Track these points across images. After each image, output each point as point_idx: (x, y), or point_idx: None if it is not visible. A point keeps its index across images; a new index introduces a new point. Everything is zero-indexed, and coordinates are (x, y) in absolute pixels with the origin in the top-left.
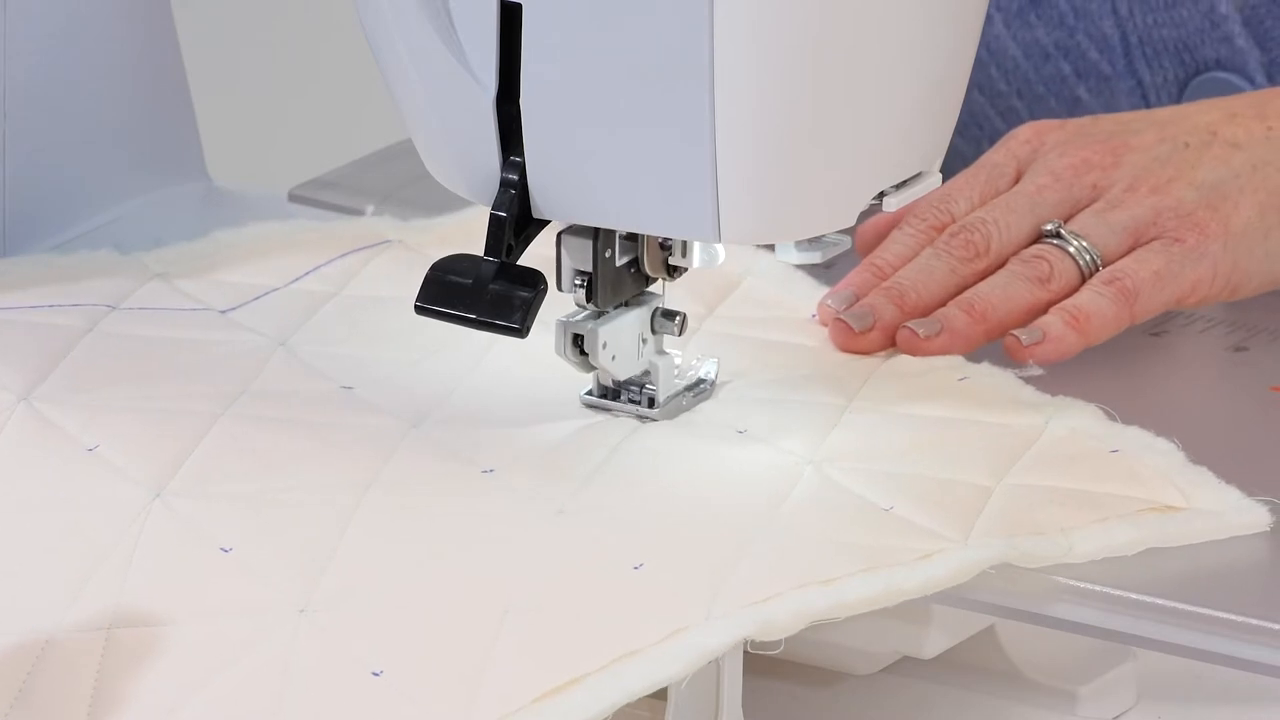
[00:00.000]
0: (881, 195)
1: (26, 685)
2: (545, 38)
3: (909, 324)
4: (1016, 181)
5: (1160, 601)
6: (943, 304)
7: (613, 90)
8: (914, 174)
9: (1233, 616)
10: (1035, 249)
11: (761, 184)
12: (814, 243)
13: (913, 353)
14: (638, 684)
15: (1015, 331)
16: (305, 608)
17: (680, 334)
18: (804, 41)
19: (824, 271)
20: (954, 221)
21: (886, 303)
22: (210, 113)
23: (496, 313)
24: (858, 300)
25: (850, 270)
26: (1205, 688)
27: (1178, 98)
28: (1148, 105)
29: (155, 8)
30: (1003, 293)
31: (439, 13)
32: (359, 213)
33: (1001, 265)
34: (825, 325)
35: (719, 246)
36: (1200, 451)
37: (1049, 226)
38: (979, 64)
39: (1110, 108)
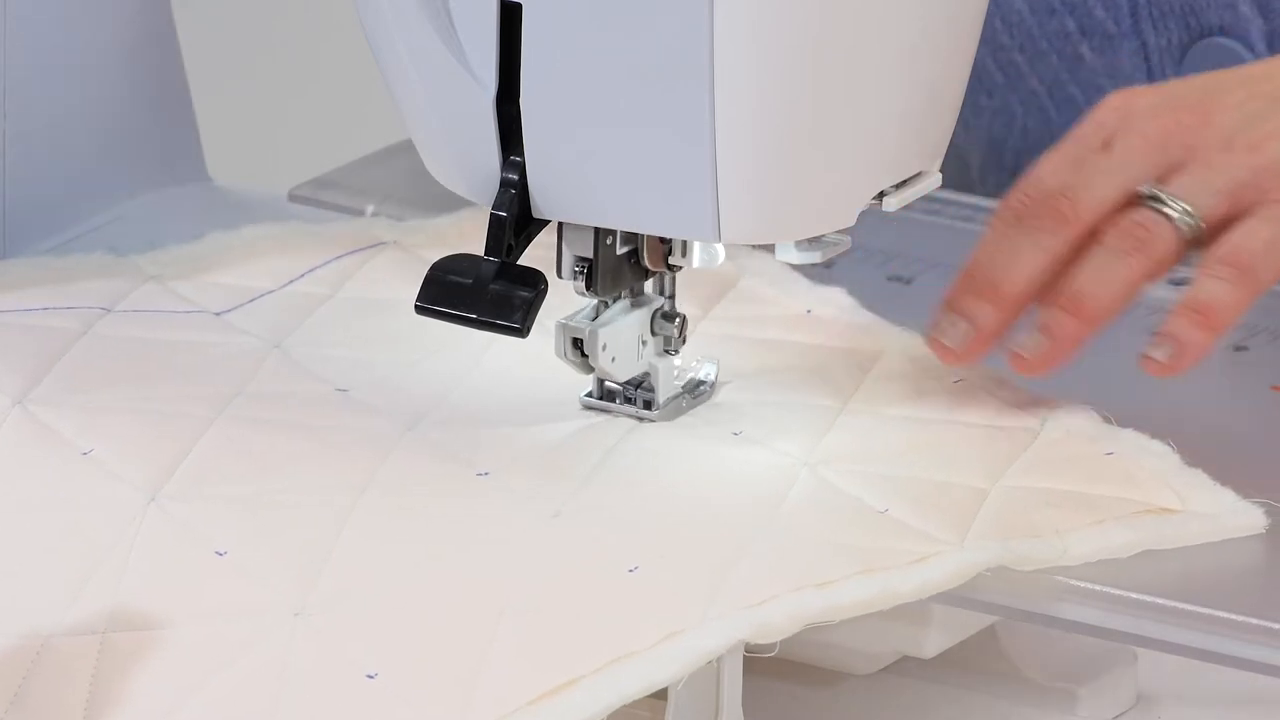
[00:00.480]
0: (881, 195)
1: (22, 689)
2: (545, 38)
3: (1014, 348)
4: (1105, 150)
5: (1160, 601)
6: (1037, 286)
7: (613, 90)
8: (914, 174)
9: (1232, 616)
10: (1131, 216)
11: (761, 184)
12: (814, 243)
13: (1029, 374)
14: (634, 686)
15: (1149, 351)
16: (301, 610)
17: (680, 335)
18: (804, 42)
19: (822, 270)
20: None
21: (979, 303)
22: (210, 113)
23: (497, 313)
24: (960, 315)
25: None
26: (1205, 688)
27: (1179, 61)
28: (1149, 67)
29: (155, 8)
30: (1101, 278)
31: (439, 13)
32: (359, 213)
33: (1092, 232)
34: (937, 353)
35: (719, 246)
36: (1200, 451)
37: (1143, 189)
38: None
39: (1112, 68)
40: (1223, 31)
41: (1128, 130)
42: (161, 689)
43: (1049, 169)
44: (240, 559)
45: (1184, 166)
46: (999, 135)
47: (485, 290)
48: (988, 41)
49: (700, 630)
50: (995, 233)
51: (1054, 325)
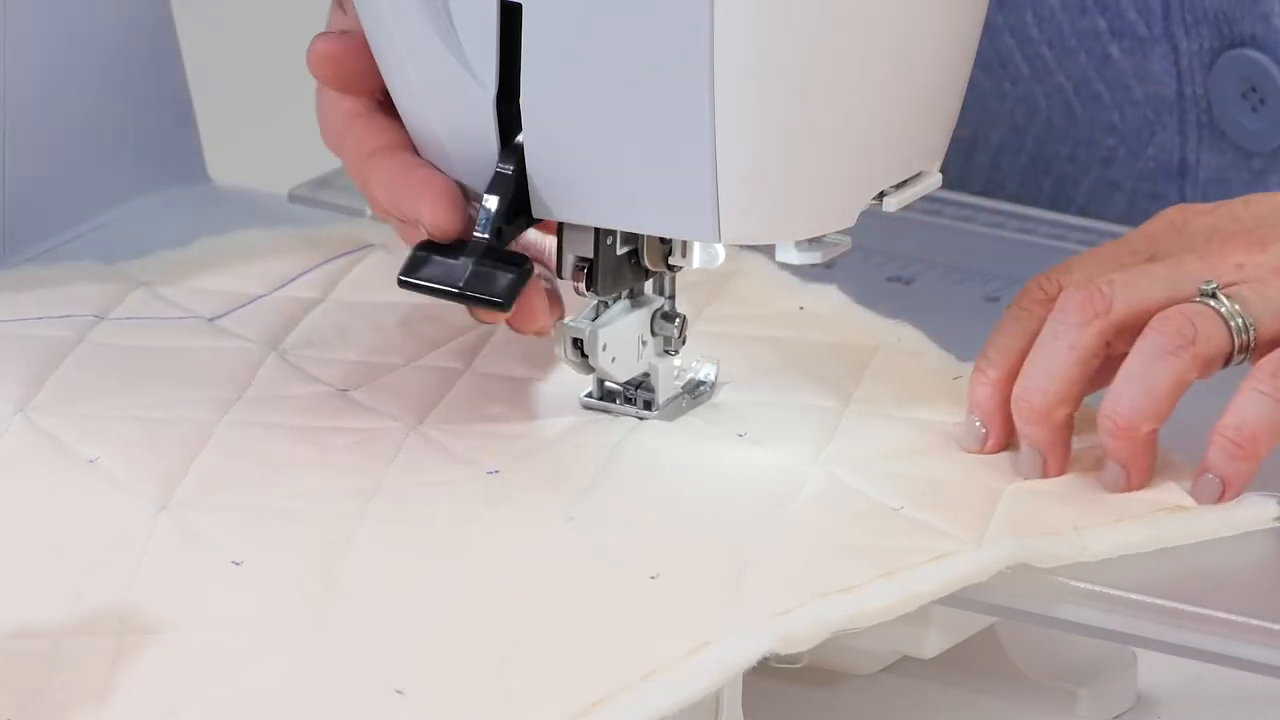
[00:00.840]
0: (881, 195)
1: (33, 690)
2: (545, 38)
3: (1106, 484)
4: (1149, 261)
5: (1161, 602)
6: (1076, 390)
7: (613, 90)
8: (914, 174)
9: (1233, 616)
10: (1178, 308)
11: (761, 184)
12: (814, 243)
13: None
14: (666, 702)
15: (1196, 494)
16: (319, 621)
17: (680, 335)
18: (803, 42)
19: (822, 270)
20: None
21: (1034, 429)
22: (210, 113)
23: (480, 287)
24: (988, 432)
25: (844, 275)
26: (1205, 688)
27: (1208, 68)
28: (1179, 71)
29: (155, 8)
30: (1143, 387)
31: (439, 13)
32: (359, 213)
33: (1129, 328)
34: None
35: (719, 246)
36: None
37: (1205, 285)
38: (1015, 6)
39: (1141, 70)
40: (1254, 42)
41: (1180, 244)
42: (170, 691)
43: (1085, 264)
44: (254, 568)
45: (1236, 284)
46: (1021, 122)
47: (469, 266)
48: (1016, 33)
49: (725, 643)
50: (1014, 331)
51: (1109, 451)
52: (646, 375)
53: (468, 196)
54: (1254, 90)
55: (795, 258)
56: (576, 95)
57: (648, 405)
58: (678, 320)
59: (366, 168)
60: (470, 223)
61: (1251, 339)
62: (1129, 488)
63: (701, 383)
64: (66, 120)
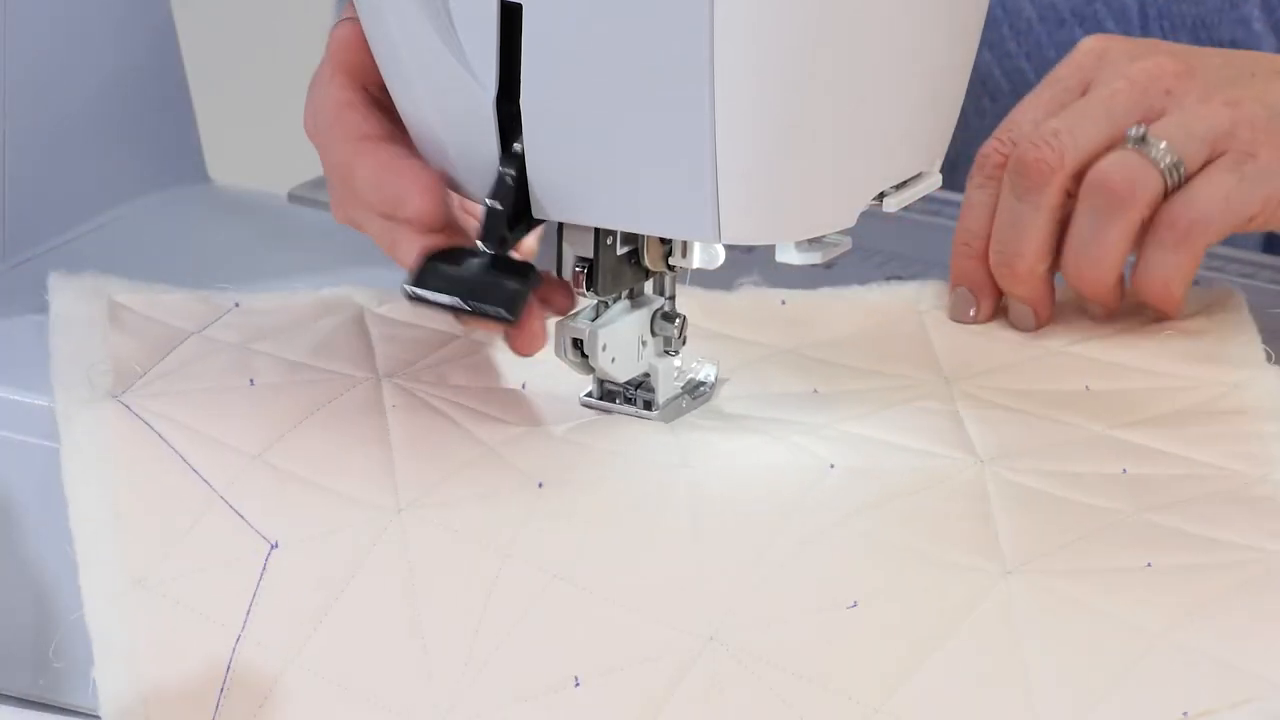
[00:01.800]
0: (881, 195)
1: None
2: (545, 38)
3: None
4: (1083, 94)
5: None
6: (1049, 248)
7: (613, 90)
8: (914, 174)
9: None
10: (1119, 165)
11: (761, 184)
12: (814, 243)
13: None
14: None
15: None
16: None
17: (680, 335)
18: (804, 42)
19: (821, 270)
20: None
21: (1014, 283)
22: (210, 113)
23: (487, 299)
24: (977, 299)
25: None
26: None
27: None
28: None
29: (155, 7)
30: (1096, 253)
31: (439, 13)
32: None
33: (1078, 175)
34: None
35: (719, 246)
36: None
37: (1132, 131)
38: (991, 21)
39: None
40: (1234, 46)
41: (1108, 72)
42: None
43: (1027, 115)
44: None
45: (1166, 112)
46: None
47: (476, 279)
48: (994, 48)
49: None
50: (981, 198)
51: (1089, 298)
52: (646, 375)
53: (459, 190)
54: None
55: (795, 258)
56: (576, 95)
57: (648, 405)
58: (678, 320)
59: (354, 153)
60: (451, 219)
61: (1181, 177)
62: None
63: (701, 383)
64: (66, 120)
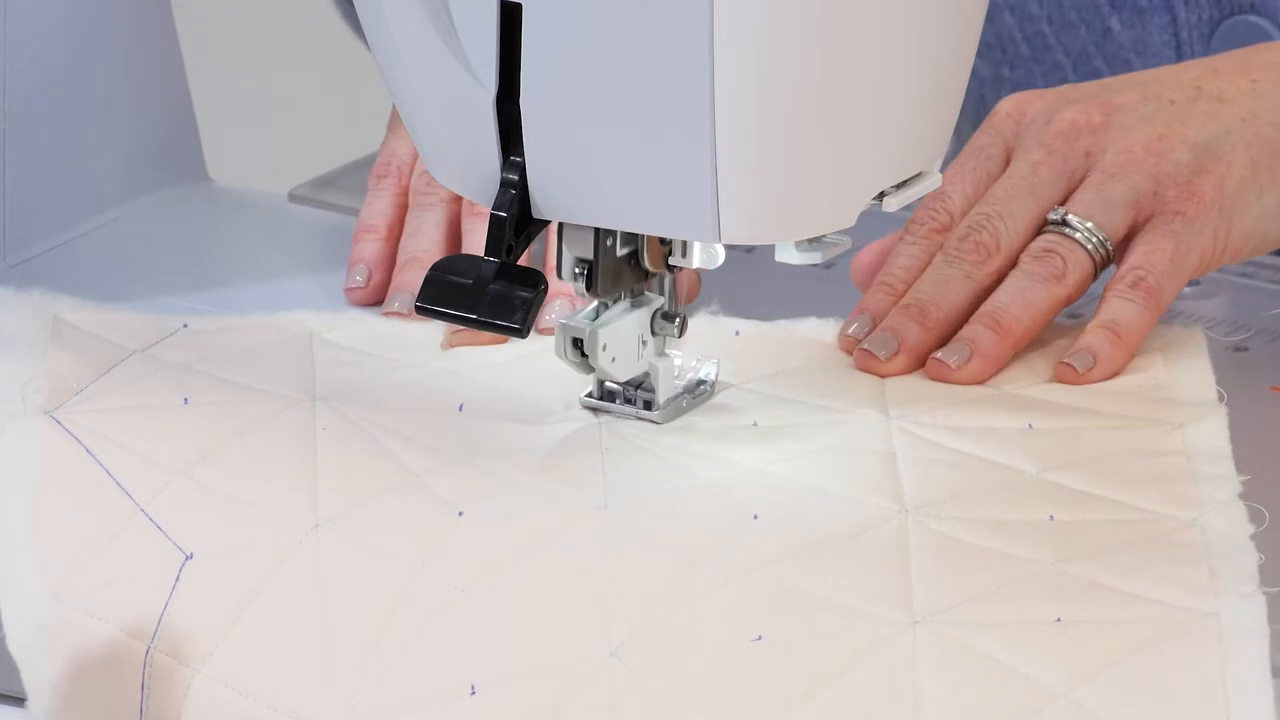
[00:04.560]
0: (881, 195)
1: None
2: (545, 38)
3: (937, 355)
4: (1006, 161)
5: None
6: (964, 313)
7: (613, 90)
8: (914, 174)
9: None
10: (1044, 242)
11: (762, 184)
12: (814, 243)
13: (944, 382)
14: None
15: (1068, 359)
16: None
17: (680, 335)
18: (804, 42)
19: (822, 270)
20: (952, 220)
21: (908, 322)
22: (210, 113)
23: (497, 312)
24: (876, 325)
25: (856, 278)
26: None
27: (1208, 39)
28: (1178, 43)
29: (155, 8)
30: (1023, 299)
31: (439, 13)
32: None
33: (1014, 259)
34: (848, 354)
35: (719, 246)
36: None
37: (1052, 215)
38: None
39: (1141, 41)
40: (1254, 9)
41: (1026, 141)
42: None
43: (955, 186)
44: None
45: (1086, 177)
46: None
47: (485, 290)
48: (1016, 10)
49: None
50: (912, 253)
51: (977, 339)
52: (646, 375)
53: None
54: None
55: (795, 258)
56: (576, 95)
57: (648, 405)
58: (678, 320)
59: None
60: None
61: (1109, 251)
62: (960, 370)
63: (702, 382)
64: (67, 120)
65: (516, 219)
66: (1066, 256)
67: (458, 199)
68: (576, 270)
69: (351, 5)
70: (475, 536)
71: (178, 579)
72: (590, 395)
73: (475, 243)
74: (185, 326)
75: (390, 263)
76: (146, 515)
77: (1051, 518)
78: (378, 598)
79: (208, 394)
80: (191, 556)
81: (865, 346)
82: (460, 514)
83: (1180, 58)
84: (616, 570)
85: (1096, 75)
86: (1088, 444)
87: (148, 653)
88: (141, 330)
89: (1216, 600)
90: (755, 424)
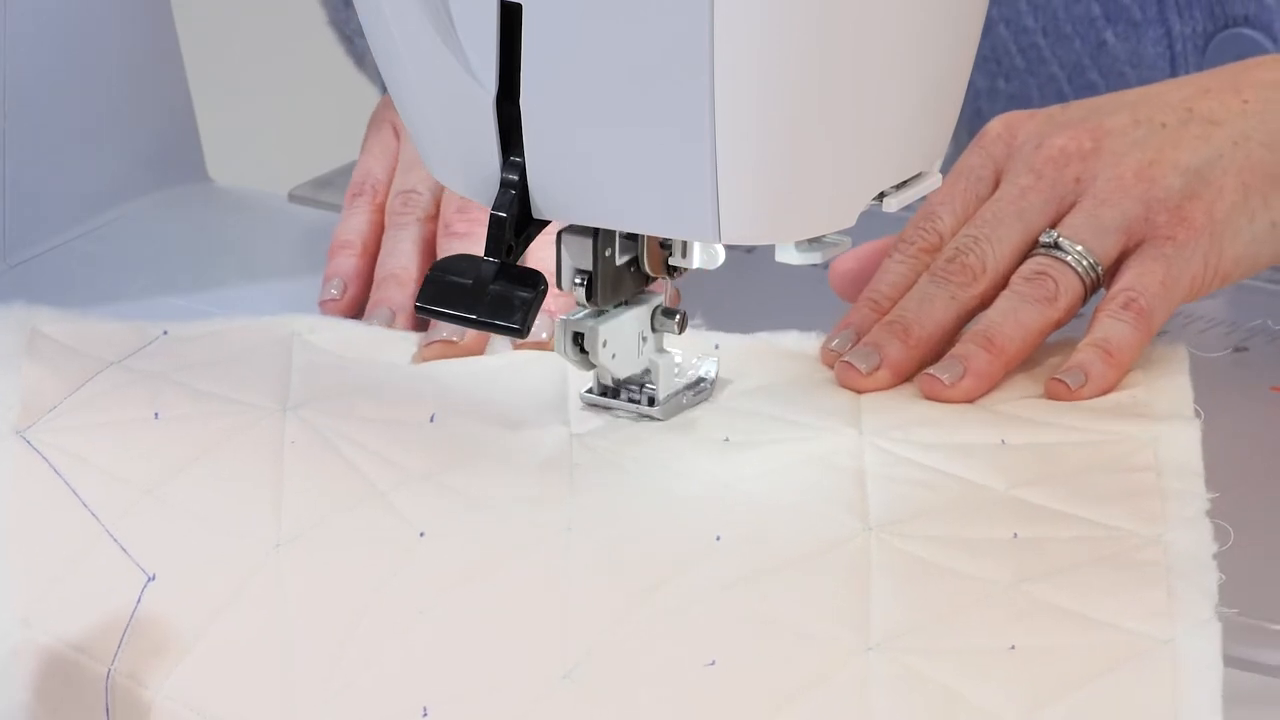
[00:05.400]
0: (881, 195)
1: None
2: (545, 38)
3: (931, 371)
4: (996, 183)
5: None
6: (947, 334)
7: (613, 90)
8: (914, 174)
9: (1235, 616)
10: (1035, 264)
11: (762, 184)
12: (814, 243)
13: (937, 399)
14: None
15: (1060, 376)
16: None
17: (680, 332)
18: (804, 42)
19: (820, 270)
20: (941, 240)
21: (890, 339)
22: (210, 113)
23: (497, 313)
24: (860, 339)
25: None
26: None
27: (1202, 51)
28: (1173, 55)
29: (155, 8)
30: (1015, 320)
31: (439, 13)
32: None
33: (999, 283)
34: (829, 367)
35: (719, 246)
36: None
37: (1044, 238)
38: None
39: (1135, 54)
40: (1248, 22)
41: (1016, 165)
42: None
43: (945, 206)
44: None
45: (1078, 202)
46: None
47: (485, 290)
48: (1011, 23)
49: None
50: (899, 270)
51: (971, 356)
52: (647, 371)
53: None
54: None
55: (795, 258)
56: (576, 95)
57: (649, 402)
58: (678, 317)
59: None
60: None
61: (1100, 275)
62: (951, 387)
63: (702, 379)
64: (66, 120)
65: (516, 219)
66: (1058, 279)
67: (433, 219)
68: (577, 280)
69: (340, 13)
70: (436, 557)
71: (139, 601)
72: (591, 392)
73: None
74: (165, 333)
75: (365, 278)
76: (112, 537)
77: (1015, 535)
78: (337, 618)
79: (180, 406)
80: (154, 578)
81: (847, 359)
82: (421, 534)
83: (1175, 71)
84: (574, 592)
85: (1092, 88)
86: (1059, 460)
87: (109, 675)
88: (121, 339)
89: (1172, 625)
90: (727, 439)
